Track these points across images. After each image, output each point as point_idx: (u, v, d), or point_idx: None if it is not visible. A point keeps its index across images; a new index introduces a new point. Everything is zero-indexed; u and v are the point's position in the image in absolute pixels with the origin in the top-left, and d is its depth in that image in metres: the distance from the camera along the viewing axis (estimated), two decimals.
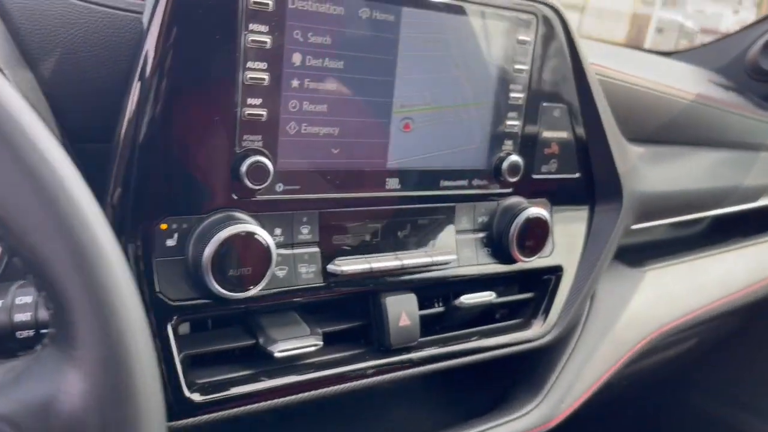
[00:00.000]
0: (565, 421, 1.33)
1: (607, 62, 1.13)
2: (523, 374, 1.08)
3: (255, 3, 0.68)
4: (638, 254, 1.35)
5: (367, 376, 0.84)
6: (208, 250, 0.68)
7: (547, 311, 1.03)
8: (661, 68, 1.47)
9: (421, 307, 0.90)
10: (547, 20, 0.92)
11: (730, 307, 1.39)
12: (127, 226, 0.67)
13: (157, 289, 0.69)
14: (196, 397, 0.71)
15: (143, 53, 0.65)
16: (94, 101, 0.70)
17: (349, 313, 0.87)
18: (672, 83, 1.25)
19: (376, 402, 1.05)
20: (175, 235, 0.69)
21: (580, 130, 1.02)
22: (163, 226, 0.69)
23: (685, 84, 1.30)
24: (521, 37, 0.90)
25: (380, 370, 0.85)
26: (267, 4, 0.68)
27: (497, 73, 0.89)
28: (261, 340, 0.77)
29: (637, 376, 1.54)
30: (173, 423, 0.70)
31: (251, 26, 0.68)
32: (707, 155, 1.34)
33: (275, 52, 0.70)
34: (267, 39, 0.69)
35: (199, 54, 0.66)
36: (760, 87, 1.68)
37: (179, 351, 0.71)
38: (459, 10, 0.83)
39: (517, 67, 0.91)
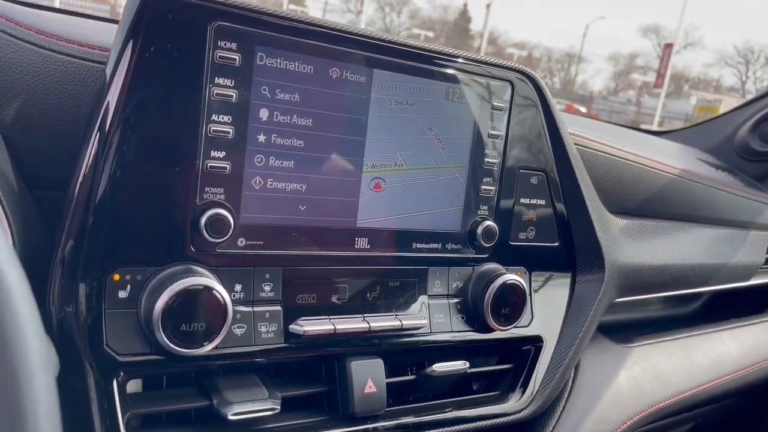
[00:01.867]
0: None
1: (590, 134, 1.13)
2: None
3: (221, 57, 0.69)
4: (627, 332, 1.31)
5: None
6: (160, 303, 0.66)
7: (526, 384, 0.99)
8: (647, 144, 1.47)
9: (390, 375, 0.86)
10: (522, 87, 0.93)
11: (722, 390, 1.33)
12: (78, 275, 0.65)
13: (106, 343, 0.66)
14: None
15: (105, 102, 0.65)
16: (54, 149, 0.70)
17: (312, 377, 0.83)
18: (658, 158, 1.25)
19: None
20: (128, 287, 0.68)
21: (559, 198, 1.01)
22: (116, 277, 0.67)
23: (671, 159, 1.30)
24: (496, 103, 0.91)
25: None
26: (234, 59, 0.69)
27: (471, 138, 0.89)
28: (215, 402, 0.73)
29: None
30: None
31: (217, 80, 0.69)
32: (695, 231, 1.32)
33: (241, 106, 0.71)
34: (233, 93, 0.70)
35: (161, 104, 0.66)
36: (751, 167, 1.68)
37: (124, 409, 0.68)
38: (432, 74, 0.84)
39: (492, 132, 0.91)
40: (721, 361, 1.35)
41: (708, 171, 1.44)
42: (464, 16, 53.07)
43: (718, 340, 1.39)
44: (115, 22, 1.05)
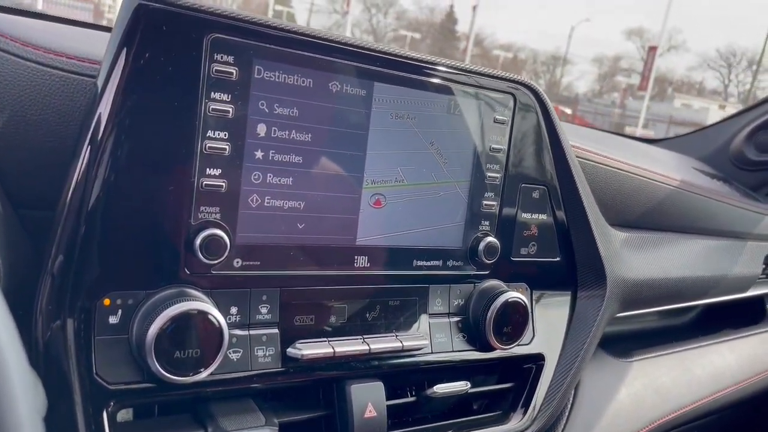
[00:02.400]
0: None
1: (590, 145, 1.12)
2: None
3: (217, 71, 0.65)
4: (625, 344, 1.29)
5: None
6: (153, 329, 0.63)
7: (527, 403, 0.96)
8: (645, 154, 1.45)
9: (389, 396, 0.83)
10: (524, 99, 0.91)
11: (721, 404, 1.32)
12: (67, 301, 0.62)
13: (95, 371, 0.63)
14: None
15: (95, 116, 0.62)
16: (41, 167, 0.67)
17: (311, 402, 0.80)
18: (657, 169, 1.23)
19: None
20: (119, 312, 0.64)
21: (561, 213, 0.99)
22: (106, 302, 0.64)
23: (670, 171, 1.29)
24: (498, 117, 0.88)
25: None
26: (231, 73, 0.66)
27: (473, 152, 0.86)
28: (210, 430, 0.70)
29: None
30: None
31: (213, 95, 0.66)
32: (694, 243, 1.30)
33: (238, 122, 0.68)
34: (229, 108, 0.67)
35: (154, 120, 0.63)
36: (746, 176, 1.68)
37: None
38: (433, 87, 0.82)
39: (494, 146, 0.88)
40: (719, 374, 1.33)
41: (705, 181, 1.43)
42: (450, 17, 53.18)
43: (717, 352, 1.38)
44: (106, 29, 1.02)
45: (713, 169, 1.66)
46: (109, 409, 0.64)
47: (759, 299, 1.57)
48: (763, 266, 1.50)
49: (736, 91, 50.78)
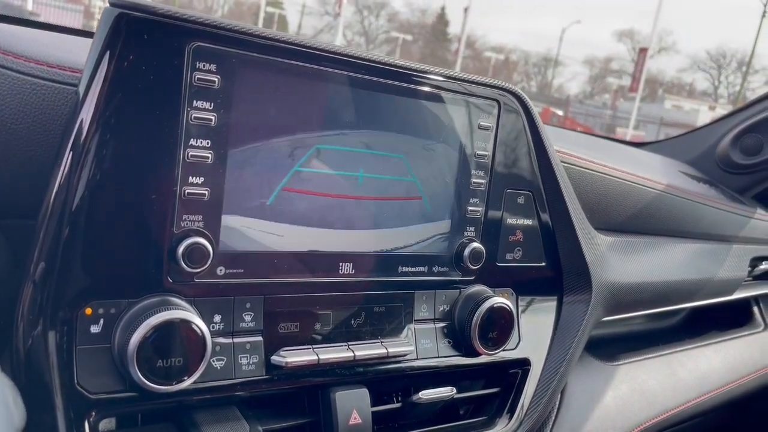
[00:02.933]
0: None
1: (576, 150, 1.12)
2: None
3: (200, 80, 0.65)
4: (611, 347, 1.30)
5: None
6: (135, 338, 0.63)
7: (513, 408, 0.97)
8: (632, 158, 1.46)
9: (375, 403, 0.83)
10: (509, 106, 0.91)
11: (707, 406, 1.32)
12: (48, 310, 0.62)
13: (77, 381, 0.63)
14: None
15: (77, 122, 0.62)
16: (22, 176, 0.67)
17: (295, 409, 0.80)
18: (643, 173, 1.24)
19: None
20: (101, 321, 0.64)
21: (546, 218, 0.99)
22: (88, 311, 0.63)
23: (656, 174, 1.30)
24: (483, 123, 0.88)
25: None
26: (213, 81, 0.66)
27: (458, 158, 0.87)
28: None
29: None
30: None
31: (195, 103, 0.66)
32: (679, 247, 1.31)
33: (221, 130, 0.68)
34: (212, 116, 0.67)
35: (136, 128, 0.63)
36: (732, 179, 1.69)
37: None
38: (417, 94, 0.82)
39: (479, 152, 0.89)
40: (705, 378, 1.34)
41: (691, 185, 1.44)
42: (442, 19, 53.28)
43: (703, 355, 1.39)
44: (89, 35, 1.01)
45: (700, 172, 1.67)
46: (91, 419, 0.63)
47: (745, 302, 1.59)
48: (749, 269, 1.51)
49: (726, 92, 51.10)
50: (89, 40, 0.67)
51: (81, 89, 0.63)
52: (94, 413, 0.64)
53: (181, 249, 0.66)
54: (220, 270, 0.71)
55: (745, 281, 1.51)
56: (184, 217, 0.67)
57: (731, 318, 1.61)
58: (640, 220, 1.23)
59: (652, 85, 53.12)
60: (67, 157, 0.62)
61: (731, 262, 1.42)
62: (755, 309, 1.64)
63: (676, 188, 1.31)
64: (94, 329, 0.64)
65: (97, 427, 0.65)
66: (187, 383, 0.66)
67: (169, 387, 0.65)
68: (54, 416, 0.62)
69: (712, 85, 52.49)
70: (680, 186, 1.34)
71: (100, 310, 0.64)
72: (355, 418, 0.80)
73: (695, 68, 53.29)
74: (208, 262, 0.68)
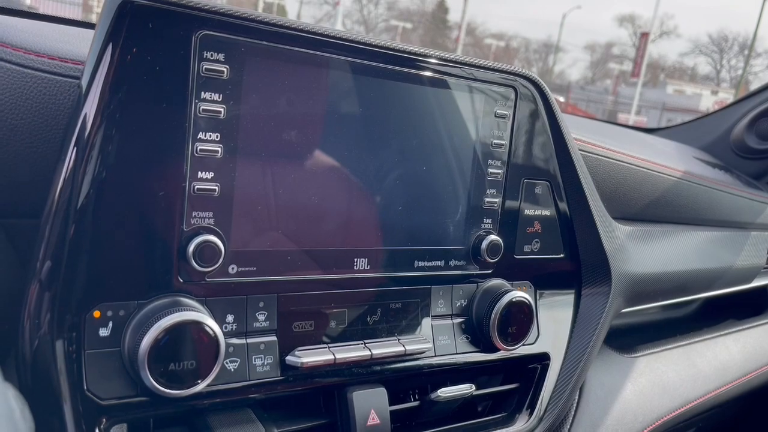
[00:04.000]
0: None
1: (590, 137, 1.09)
2: None
3: (208, 70, 0.62)
4: (628, 338, 1.27)
5: None
6: (146, 341, 0.60)
7: (533, 404, 0.94)
8: (646, 145, 1.43)
9: (392, 402, 0.81)
10: (526, 93, 0.88)
11: (727, 397, 1.30)
12: (55, 314, 0.59)
13: (86, 387, 0.60)
14: None
15: (80, 117, 0.59)
16: (24, 173, 0.64)
17: (311, 410, 0.78)
18: (659, 160, 1.21)
19: None
20: (110, 324, 0.61)
21: (564, 208, 0.96)
22: (96, 314, 0.61)
23: (672, 161, 1.26)
24: (499, 111, 0.85)
25: None
26: (221, 72, 0.63)
27: (474, 148, 0.84)
28: None
29: None
30: None
31: (203, 94, 0.63)
32: (697, 235, 1.28)
33: (230, 122, 0.65)
34: (221, 108, 0.64)
35: (142, 122, 0.60)
36: (748, 164, 1.66)
37: None
38: (433, 82, 0.79)
39: (495, 141, 0.86)
40: (725, 368, 1.31)
41: (707, 171, 1.41)
42: (442, 6, 52.97)
43: (722, 345, 1.36)
44: (90, 26, 0.98)
45: (714, 158, 1.64)
46: (102, 426, 0.61)
47: (761, 289, 1.56)
48: (767, 256, 1.48)
49: (729, 76, 50.83)
50: (91, 32, 0.64)
51: (84, 82, 0.60)
52: (104, 420, 0.61)
53: (191, 247, 0.64)
54: (232, 268, 0.68)
55: (765, 269, 1.48)
56: (193, 214, 0.64)
57: (748, 305, 1.58)
58: (657, 208, 1.20)
59: (654, 70, 52.87)
60: (71, 153, 0.59)
61: (749, 250, 1.39)
62: None
63: (693, 175, 1.28)
64: (103, 332, 0.61)
65: None
66: (200, 387, 0.63)
67: (181, 391, 0.62)
68: (63, 423, 0.60)
69: (714, 69, 52.22)
70: (696, 172, 1.30)
71: (109, 313, 0.61)
72: (374, 419, 0.77)
73: (697, 52, 53.01)
74: (220, 261, 0.65)
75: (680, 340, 1.29)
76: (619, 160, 1.11)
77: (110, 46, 0.59)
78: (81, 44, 0.70)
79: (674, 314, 1.55)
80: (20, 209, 0.64)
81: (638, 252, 1.12)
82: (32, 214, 0.63)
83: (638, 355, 1.19)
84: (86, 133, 0.59)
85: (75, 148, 0.59)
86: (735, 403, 1.56)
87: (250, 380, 0.69)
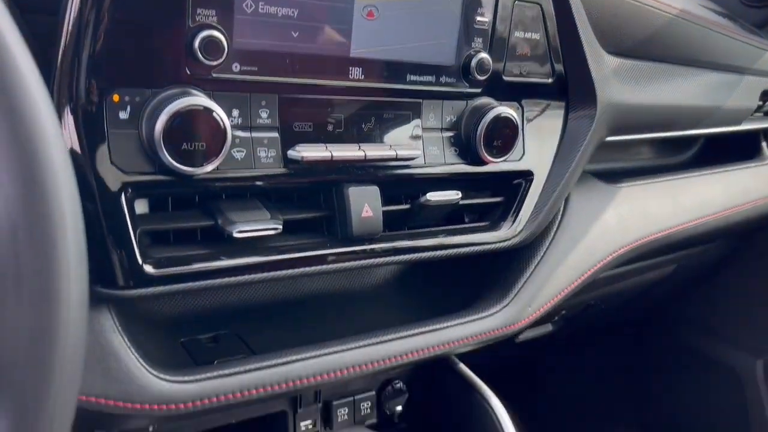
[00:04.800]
0: (546, 342, 1.35)
1: None
2: (493, 277, 1.08)
3: None
4: (617, 176, 1.34)
5: (328, 263, 0.85)
6: (161, 122, 0.68)
7: (516, 214, 1.03)
8: None
9: (385, 204, 0.90)
10: None
11: (706, 229, 1.38)
12: (80, 96, 0.67)
13: (111, 160, 0.69)
14: (150, 269, 0.72)
15: None
16: None
17: (312, 204, 0.87)
18: None
19: (347, 303, 1.06)
20: (128, 108, 0.69)
21: (554, 33, 1.00)
22: (116, 98, 0.68)
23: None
24: None
25: (341, 257, 0.86)
26: None
27: None
28: (220, 221, 0.77)
29: (615, 300, 1.55)
30: (127, 292, 0.71)
31: None
32: (689, 74, 1.31)
33: None
34: None
35: None
36: (753, 13, 1.65)
37: (135, 226, 0.71)
38: None
39: None
40: (706, 203, 1.39)
41: (706, 13, 1.41)
42: None
43: (706, 183, 1.43)
44: None
45: (719, 6, 1.63)
46: (128, 194, 0.70)
47: (754, 134, 1.60)
48: (759, 103, 1.52)
49: None
50: None
51: None
52: (129, 190, 0.70)
53: (197, 41, 0.70)
54: (236, 66, 0.75)
55: (755, 114, 1.52)
56: (198, 11, 0.70)
57: (740, 154, 1.63)
58: (650, 45, 1.23)
59: None
60: None
61: (741, 93, 1.43)
62: (764, 144, 1.65)
63: (690, 14, 1.29)
64: (122, 115, 0.69)
65: (132, 204, 0.71)
66: (210, 167, 0.72)
67: (195, 169, 0.71)
68: (92, 194, 0.68)
69: None
70: (694, 12, 1.32)
71: (126, 98, 0.69)
72: (367, 212, 0.86)
73: None
74: (224, 56, 0.72)
75: (666, 176, 1.36)
76: None
77: None
78: None
79: (667, 161, 1.61)
80: (42, 5, 0.70)
81: (626, 83, 1.16)
82: (52, 10, 0.69)
83: (622, 185, 1.27)
84: None
85: None
86: (716, 245, 1.66)
87: (255, 169, 0.78)
